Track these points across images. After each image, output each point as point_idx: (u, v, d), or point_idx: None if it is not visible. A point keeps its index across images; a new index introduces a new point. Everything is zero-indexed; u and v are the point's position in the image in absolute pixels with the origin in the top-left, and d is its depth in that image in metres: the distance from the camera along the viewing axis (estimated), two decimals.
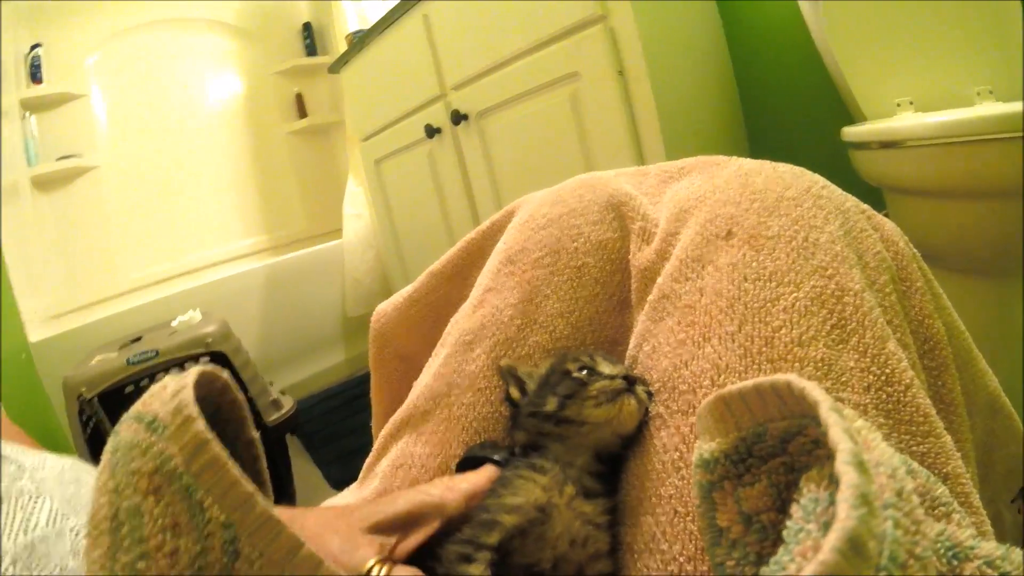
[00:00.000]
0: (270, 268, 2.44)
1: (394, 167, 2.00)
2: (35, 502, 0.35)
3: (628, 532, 0.37)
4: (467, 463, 0.44)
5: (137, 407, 0.29)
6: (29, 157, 2.30)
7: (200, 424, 0.27)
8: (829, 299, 0.38)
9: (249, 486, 0.26)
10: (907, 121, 0.98)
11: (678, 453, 0.37)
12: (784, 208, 0.42)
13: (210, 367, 0.31)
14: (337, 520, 0.34)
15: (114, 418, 1.48)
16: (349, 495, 0.53)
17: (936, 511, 0.29)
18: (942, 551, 0.24)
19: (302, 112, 2.98)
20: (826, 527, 0.19)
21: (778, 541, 0.22)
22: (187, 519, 0.25)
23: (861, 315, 0.38)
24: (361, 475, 0.54)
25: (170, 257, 2.61)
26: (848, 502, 0.17)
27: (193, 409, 0.27)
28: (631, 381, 0.39)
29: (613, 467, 0.41)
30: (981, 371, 0.49)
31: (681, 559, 0.34)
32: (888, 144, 1.01)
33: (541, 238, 0.52)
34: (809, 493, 0.22)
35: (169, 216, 2.63)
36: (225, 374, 0.32)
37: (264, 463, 0.34)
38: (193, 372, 0.30)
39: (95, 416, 1.49)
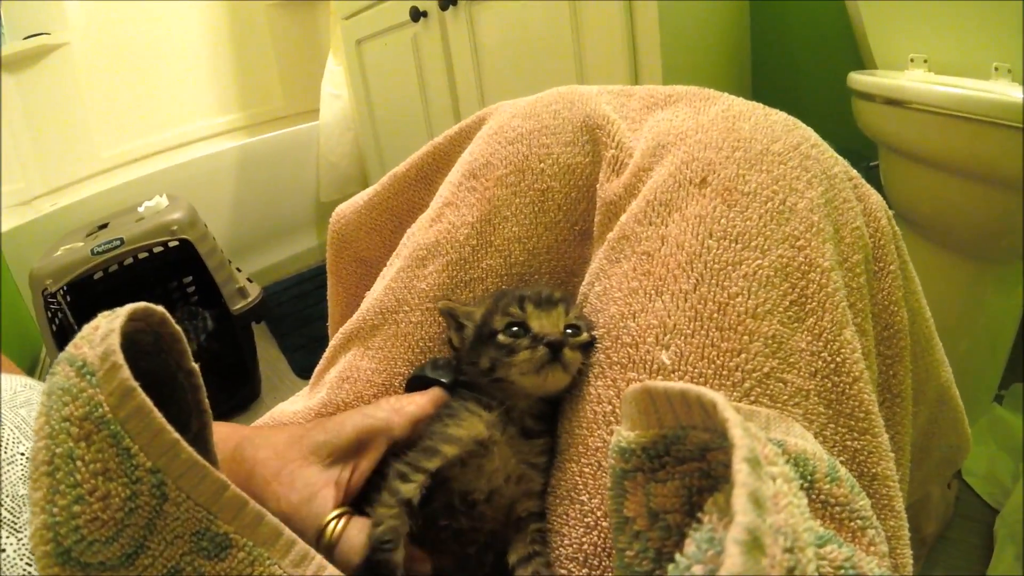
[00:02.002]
0: (243, 149, 2.38)
1: (376, 49, 1.90)
2: None
3: (554, 476, 0.38)
4: (415, 382, 0.45)
5: (70, 349, 0.29)
6: None
7: (125, 372, 0.27)
8: (794, 272, 0.36)
9: (173, 433, 0.28)
10: (918, 83, 0.94)
11: (611, 406, 0.36)
12: (767, 163, 0.39)
13: (142, 305, 0.32)
14: (289, 449, 0.38)
15: (80, 310, 1.48)
16: (300, 401, 0.54)
17: (852, 524, 0.28)
18: None
19: None
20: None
21: (680, 542, 0.22)
22: (116, 464, 0.27)
23: (824, 295, 0.36)
24: (311, 381, 0.55)
25: (143, 135, 2.51)
26: None
27: (119, 356, 0.28)
28: (557, 346, 0.37)
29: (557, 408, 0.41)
30: (936, 361, 0.49)
31: (598, 513, 0.34)
32: (893, 101, 0.97)
33: (508, 154, 0.49)
34: (708, 524, 0.21)
35: (142, 93, 2.51)
36: (160, 309, 0.33)
37: (204, 392, 0.35)
38: (123, 313, 0.30)
39: (60, 309, 1.49)
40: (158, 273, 1.75)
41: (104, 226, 1.71)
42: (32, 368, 1.83)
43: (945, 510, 1.00)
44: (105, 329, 0.29)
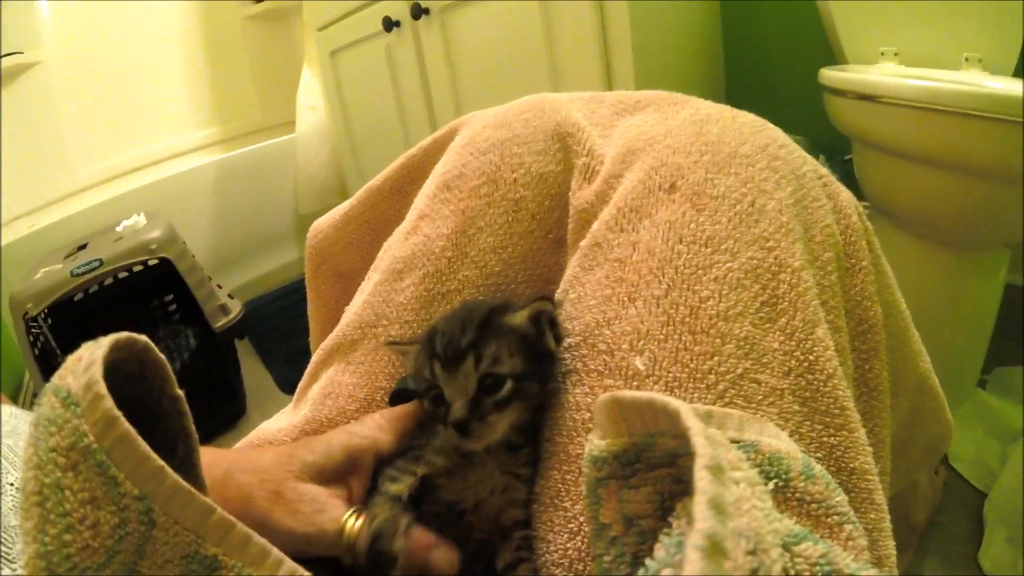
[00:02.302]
0: (220, 164, 2.35)
1: (350, 60, 1.90)
2: None
3: (538, 484, 0.38)
4: (398, 395, 0.45)
5: (55, 380, 0.29)
6: None
7: (108, 402, 0.27)
8: (764, 273, 0.36)
9: (157, 461, 0.28)
10: (888, 77, 0.94)
11: (589, 413, 0.36)
12: (735, 166, 0.39)
13: (125, 335, 0.32)
14: (278, 469, 0.38)
15: (61, 331, 1.47)
16: (284, 418, 0.53)
17: (829, 519, 0.28)
18: (821, 574, 0.24)
19: None
20: None
21: (655, 546, 0.22)
22: (103, 493, 0.27)
23: (795, 295, 0.36)
24: (295, 397, 0.55)
25: (120, 152, 2.48)
26: None
27: (101, 386, 0.28)
28: (463, 426, 0.36)
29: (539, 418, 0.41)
30: (914, 352, 0.49)
31: (581, 519, 0.34)
32: (864, 96, 0.98)
33: (480, 164, 0.49)
34: (677, 528, 0.21)
35: (118, 110, 2.47)
36: (143, 338, 0.33)
37: (190, 418, 0.35)
38: (106, 344, 0.30)
39: (42, 333, 1.48)
40: (139, 292, 1.74)
41: (83, 246, 1.70)
42: (16, 393, 1.80)
43: (934, 496, 1.01)
44: (88, 360, 0.29)
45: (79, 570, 0.26)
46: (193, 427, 0.35)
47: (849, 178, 1.22)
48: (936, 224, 1.02)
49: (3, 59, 2.15)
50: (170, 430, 0.33)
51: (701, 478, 0.19)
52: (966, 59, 1.16)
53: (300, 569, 0.30)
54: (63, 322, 1.54)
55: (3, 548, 0.32)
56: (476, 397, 0.36)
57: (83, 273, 1.50)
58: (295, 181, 2.47)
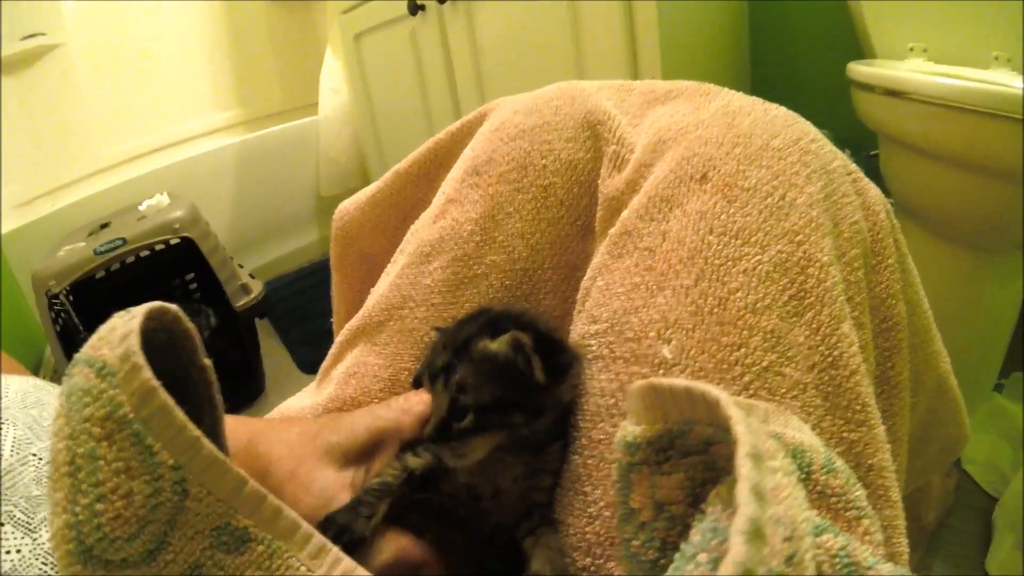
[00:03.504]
0: (242, 145, 2.36)
1: (374, 43, 1.89)
2: None
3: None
4: (422, 377, 0.44)
5: (87, 351, 0.29)
6: None
7: (147, 372, 0.28)
8: (793, 267, 0.36)
9: (194, 431, 0.28)
10: (917, 73, 0.93)
11: (613, 399, 0.37)
12: (767, 159, 0.39)
13: (157, 305, 0.32)
14: (302, 447, 0.38)
15: (82, 309, 1.49)
16: (307, 396, 0.54)
17: (848, 513, 0.28)
18: (840, 567, 0.24)
19: None
20: (715, 563, 0.19)
21: (684, 532, 0.22)
22: (138, 463, 0.27)
23: (822, 290, 0.36)
24: (318, 377, 0.56)
25: (141, 133, 2.49)
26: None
27: (139, 356, 0.28)
28: (435, 443, 0.36)
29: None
30: (935, 352, 0.49)
31: (600, 504, 0.35)
32: (892, 92, 0.97)
33: (510, 150, 0.49)
34: (712, 514, 0.21)
35: (140, 91, 2.48)
36: (174, 307, 0.33)
37: (217, 387, 0.35)
38: (140, 313, 0.31)
39: (65, 310, 1.49)
40: (160, 271, 1.76)
41: (105, 225, 1.71)
42: (35, 369, 1.83)
43: (945, 498, 1.01)
44: (123, 330, 0.29)
45: (109, 540, 0.26)
46: (219, 397, 0.36)
47: (873, 174, 1.21)
48: (958, 224, 1.01)
49: (25, 41, 2.17)
50: (196, 399, 0.34)
51: (744, 465, 0.20)
52: (995, 58, 1.14)
53: (329, 543, 0.30)
54: (84, 300, 1.57)
55: (24, 518, 0.33)
56: (446, 419, 0.36)
57: (106, 252, 1.53)
58: (317, 163, 2.48)
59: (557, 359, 0.37)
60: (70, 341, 1.52)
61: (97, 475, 0.27)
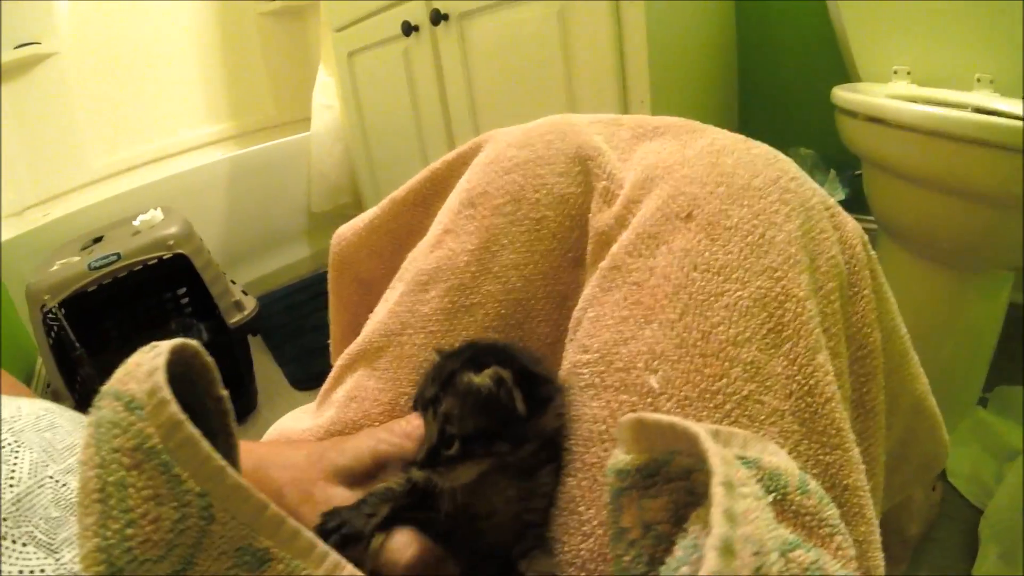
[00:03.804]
0: (234, 160, 2.37)
1: (367, 62, 1.91)
2: (16, 454, 0.36)
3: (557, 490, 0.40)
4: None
5: (115, 385, 0.31)
6: None
7: (174, 407, 0.29)
8: (771, 302, 0.38)
9: (219, 460, 0.29)
10: (898, 102, 0.96)
11: (604, 426, 0.38)
12: (748, 198, 0.41)
13: (179, 342, 0.34)
14: (310, 469, 0.40)
15: (75, 321, 1.48)
16: (307, 418, 0.55)
17: (822, 531, 0.30)
18: None
19: None
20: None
21: (669, 548, 0.24)
22: (166, 490, 0.28)
23: (799, 323, 0.38)
24: (318, 399, 0.56)
25: (134, 144, 2.51)
26: None
27: (167, 392, 0.29)
28: (426, 467, 0.38)
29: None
30: (911, 375, 0.51)
31: (594, 523, 0.37)
32: (874, 119, 1.00)
33: (504, 183, 0.51)
34: (693, 533, 0.24)
35: (133, 102, 2.50)
36: (194, 344, 0.35)
37: (232, 416, 0.37)
38: (165, 351, 0.32)
39: (59, 324, 1.48)
40: (152, 285, 1.75)
41: (99, 239, 1.71)
42: (27, 381, 1.82)
43: (929, 511, 1.03)
44: (149, 366, 0.31)
45: (138, 562, 0.28)
46: (234, 425, 0.37)
47: (858, 192, 1.24)
48: (940, 246, 1.03)
49: (20, 49, 2.18)
50: (211, 426, 0.35)
51: (717, 492, 0.22)
52: (977, 80, 1.17)
53: (343, 561, 0.32)
54: (75, 312, 1.56)
55: (45, 539, 0.33)
56: (436, 446, 0.38)
57: (101, 266, 1.53)
58: (308, 179, 2.49)
59: (538, 391, 0.39)
60: (63, 355, 1.51)
61: (127, 501, 0.28)
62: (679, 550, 0.23)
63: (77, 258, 1.58)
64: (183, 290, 1.83)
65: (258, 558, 0.30)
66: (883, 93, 1.16)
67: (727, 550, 0.21)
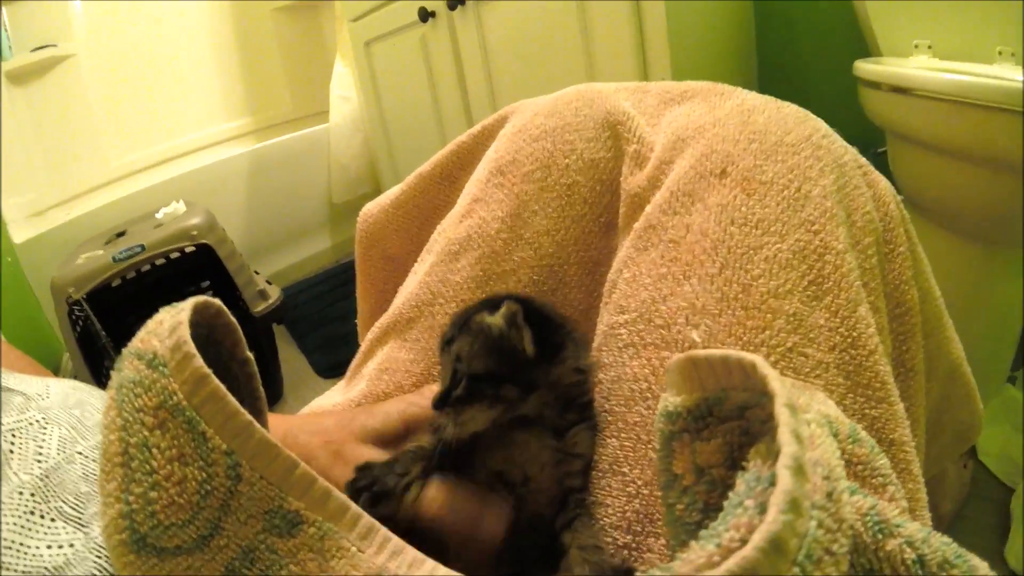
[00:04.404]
0: (254, 154, 2.39)
1: (384, 50, 1.91)
2: (44, 431, 0.36)
3: (596, 452, 0.40)
4: None
5: (136, 344, 0.30)
6: (2, 50, 2.14)
7: (198, 360, 0.29)
8: (811, 255, 0.38)
9: (246, 416, 0.29)
10: (922, 71, 0.95)
11: (647, 384, 0.38)
12: (782, 154, 0.41)
13: (202, 298, 0.33)
14: (340, 431, 0.40)
15: (103, 315, 1.49)
16: (337, 394, 0.55)
17: (874, 480, 0.30)
18: (870, 524, 0.25)
19: None
20: (762, 507, 0.21)
21: (724, 493, 0.23)
22: (192, 449, 0.28)
23: (839, 275, 0.38)
24: (348, 375, 0.57)
25: (152, 143, 2.53)
26: (778, 506, 0.20)
27: (191, 346, 0.29)
28: (437, 409, 0.38)
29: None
30: (947, 339, 0.50)
31: (639, 483, 0.37)
32: (899, 89, 0.98)
33: (533, 150, 0.51)
34: (754, 468, 0.23)
35: (150, 101, 2.52)
36: (217, 302, 0.34)
37: (258, 380, 0.36)
38: (187, 307, 0.32)
39: (84, 316, 1.50)
40: (174, 279, 1.77)
41: (122, 234, 1.73)
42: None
43: (961, 489, 1.02)
44: (171, 322, 0.30)
45: (163, 527, 0.27)
46: (261, 389, 0.37)
47: (882, 171, 1.22)
48: (967, 218, 1.02)
49: (36, 52, 2.20)
50: (237, 392, 0.33)
51: (782, 412, 0.22)
52: (999, 53, 1.15)
53: (377, 523, 0.31)
54: (99, 307, 1.57)
55: (74, 513, 0.33)
56: (448, 389, 0.37)
57: (125, 259, 1.55)
58: (328, 171, 2.51)
59: (551, 337, 0.39)
60: (89, 348, 1.53)
61: (151, 463, 0.27)
62: (741, 484, 0.22)
63: (101, 251, 1.60)
64: (206, 283, 1.84)
65: (288, 521, 0.29)
66: (905, 66, 1.15)
67: (800, 470, 0.20)
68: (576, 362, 0.40)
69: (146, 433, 0.28)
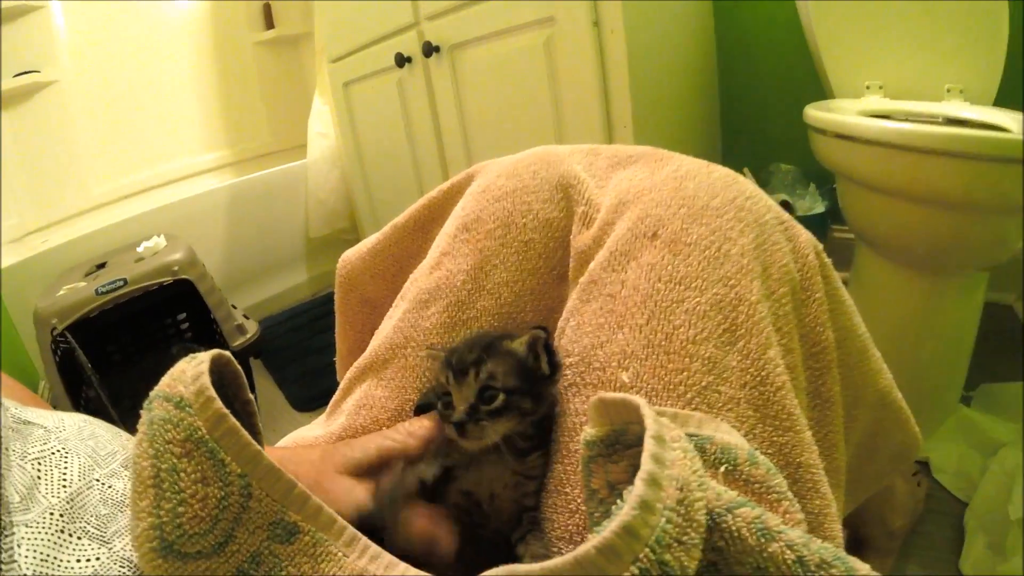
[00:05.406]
0: (233, 188, 2.40)
1: (362, 92, 1.97)
2: (65, 459, 0.41)
3: (547, 475, 0.46)
4: (423, 407, 0.52)
5: (164, 388, 0.36)
6: None
7: (218, 403, 0.35)
8: (727, 306, 0.44)
9: (256, 446, 0.35)
10: (864, 119, 1.02)
11: (585, 418, 0.43)
12: (707, 217, 0.47)
13: (217, 351, 0.40)
14: (323, 463, 0.45)
15: (80, 343, 1.50)
16: (318, 428, 0.59)
17: (769, 496, 0.35)
18: (755, 530, 0.31)
19: (269, 23, 2.84)
20: None
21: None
22: (212, 473, 0.34)
23: (751, 323, 0.44)
24: (328, 410, 0.61)
25: (133, 171, 2.55)
26: (630, 504, 0.26)
27: (211, 391, 0.35)
28: (460, 426, 0.43)
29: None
30: (873, 370, 0.55)
31: (578, 501, 0.42)
32: (843, 136, 1.05)
33: (495, 210, 0.56)
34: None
35: (131, 130, 2.54)
36: (227, 354, 0.41)
37: (258, 418, 0.43)
38: (206, 359, 0.38)
39: (67, 346, 1.52)
40: (153, 310, 1.78)
41: (102, 265, 1.75)
42: None
43: (915, 506, 1.05)
44: (194, 372, 0.36)
45: (187, 536, 0.33)
46: (260, 425, 0.43)
47: (837, 205, 1.28)
48: (913, 252, 1.08)
49: (19, 77, 2.21)
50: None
51: (648, 442, 0.28)
52: (947, 90, 1.23)
53: (359, 534, 0.37)
54: (77, 335, 1.58)
55: (97, 532, 0.38)
56: (475, 404, 0.43)
57: (108, 292, 1.57)
58: (306, 205, 2.53)
59: (555, 357, 0.46)
60: (72, 376, 1.54)
61: (178, 484, 0.33)
62: (625, 493, 0.28)
63: (83, 283, 1.62)
64: (182, 315, 1.86)
65: (288, 530, 0.35)
66: (856, 109, 1.21)
67: (653, 482, 0.26)
68: (555, 392, 0.47)
69: (175, 460, 0.34)
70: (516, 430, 0.44)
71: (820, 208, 1.54)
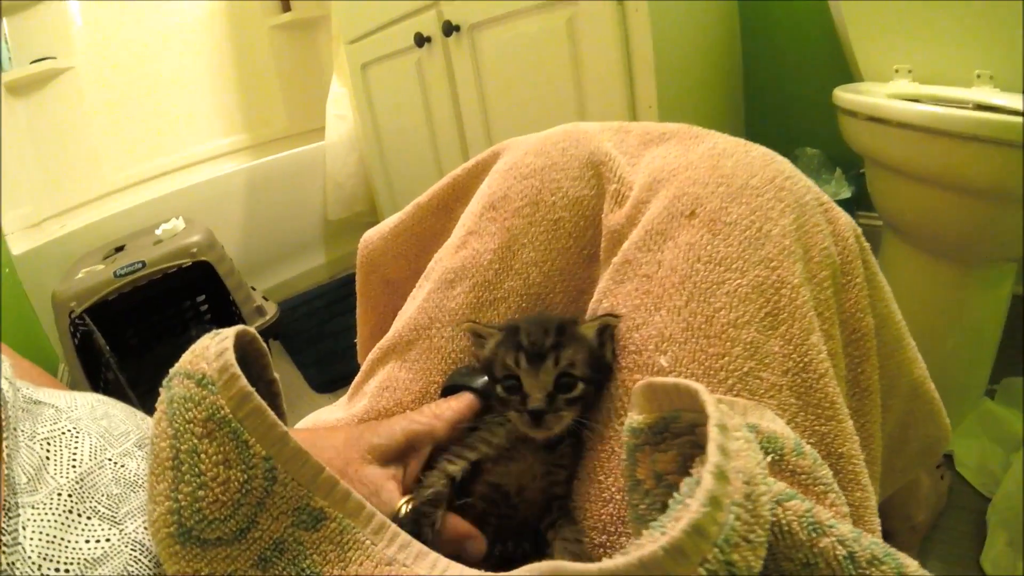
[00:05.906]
0: (251, 170, 2.41)
1: (381, 73, 1.95)
2: (76, 439, 0.40)
3: (578, 464, 0.45)
4: (448, 388, 0.50)
5: (185, 366, 0.35)
6: (1, 62, 2.17)
7: (243, 380, 0.33)
8: (768, 289, 0.42)
9: (283, 427, 0.33)
10: (897, 102, 0.99)
11: (620, 403, 0.43)
12: (746, 196, 0.45)
13: (241, 327, 0.38)
14: (348, 449, 0.43)
15: (99, 325, 1.52)
16: (339, 410, 0.59)
17: (816, 488, 0.34)
18: (806, 524, 0.30)
19: (286, 6, 2.83)
20: None
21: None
22: (235, 455, 0.32)
23: (794, 307, 0.42)
24: (350, 392, 0.61)
25: (149, 157, 2.56)
26: (699, 500, 0.24)
27: (236, 368, 0.33)
28: (539, 415, 0.41)
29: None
30: (908, 359, 0.54)
31: (612, 489, 0.41)
32: (874, 119, 1.03)
33: (523, 188, 0.55)
34: (695, 474, 0.27)
35: (148, 115, 2.55)
36: (252, 330, 0.39)
37: (281, 398, 0.41)
38: (231, 335, 0.36)
39: (85, 329, 1.53)
40: (172, 292, 1.80)
41: (121, 248, 1.76)
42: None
43: (937, 500, 1.04)
44: (217, 348, 0.35)
45: (207, 521, 0.31)
46: (284, 406, 0.41)
47: (864, 190, 1.26)
48: (942, 240, 1.06)
49: (35, 64, 2.23)
50: None
51: (712, 431, 0.26)
52: (977, 76, 1.18)
53: (388, 521, 0.36)
54: (96, 318, 1.61)
55: (108, 512, 0.37)
56: (552, 393, 0.42)
57: (126, 274, 1.58)
58: (324, 188, 2.54)
59: (615, 345, 0.45)
60: (91, 358, 1.55)
61: (199, 466, 0.32)
62: (683, 486, 0.27)
63: (102, 266, 1.63)
64: (201, 298, 1.87)
65: (314, 516, 0.34)
66: (884, 92, 1.18)
67: (721, 475, 0.25)
68: None
69: (195, 441, 0.32)
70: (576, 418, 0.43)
71: (846, 193, 1.50)
